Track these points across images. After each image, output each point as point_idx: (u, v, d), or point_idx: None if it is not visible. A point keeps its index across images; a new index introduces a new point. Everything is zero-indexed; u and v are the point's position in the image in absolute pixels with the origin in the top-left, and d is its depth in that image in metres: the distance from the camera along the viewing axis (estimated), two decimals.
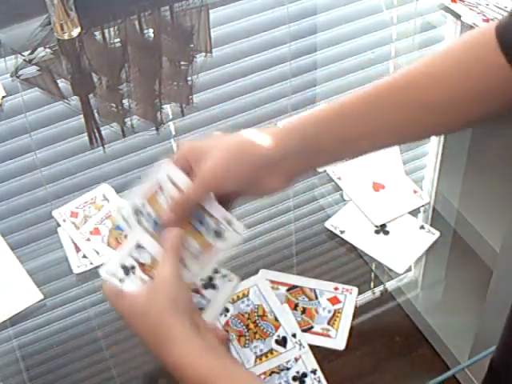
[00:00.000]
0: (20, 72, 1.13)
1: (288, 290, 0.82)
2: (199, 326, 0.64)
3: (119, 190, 0.94)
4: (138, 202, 0.69)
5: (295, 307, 0.80)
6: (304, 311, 0.80)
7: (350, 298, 0.81)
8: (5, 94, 1.09)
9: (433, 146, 1.02)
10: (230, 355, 0.72)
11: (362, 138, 0.70)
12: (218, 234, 0.69)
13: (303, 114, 0.69)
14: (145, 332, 0.65)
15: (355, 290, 0.82)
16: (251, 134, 0.68)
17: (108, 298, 0.67)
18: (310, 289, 0.82)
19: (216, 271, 0.72)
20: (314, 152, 0.68)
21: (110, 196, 0.93)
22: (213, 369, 0.62)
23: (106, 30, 1.20)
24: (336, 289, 0.82)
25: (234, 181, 0.67)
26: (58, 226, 0.90)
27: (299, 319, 0.79)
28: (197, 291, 0.72)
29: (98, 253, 0.87)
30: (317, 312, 0.80)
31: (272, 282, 0.82)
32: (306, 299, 0.81)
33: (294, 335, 0.77)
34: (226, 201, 0.70)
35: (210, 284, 0.72)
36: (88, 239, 0.88)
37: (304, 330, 0.78)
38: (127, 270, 0.67)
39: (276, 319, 0.79)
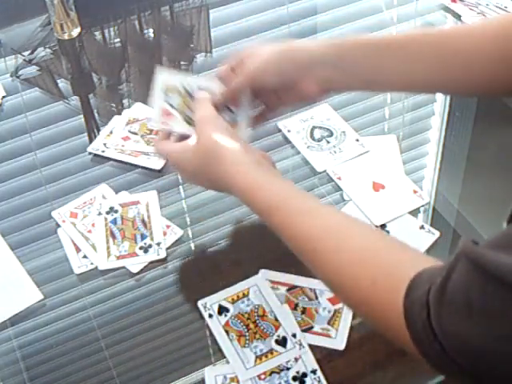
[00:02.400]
0: (20, 72, 1.13)
1: (288, 290, 0.82)
2: (246, 147, 0.74)
3: (118, 190, 0.94)
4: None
5: (295, 307, 0.80)
6: (304, 311, 0.80)
7: None
8: (5, 94, 1.09)
9: (433, 146, 1.02)
10: (277, 171, 0.79)
11: (392, 74, 0.78)
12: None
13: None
14: (197, 159, 0.75)
15: None
16: (299, 42, 0.80)
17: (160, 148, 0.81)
18: (310, 289, 0.82)
19: None
20: (349, 68, 0.77)
21: (109, 196, 0.93)
22: (262, 177, 0.72)
23: (106, 30, 1.20)
24: None
25: (276, 76, 0.79)
26: (58, 226, 0.90)
27: (299, 319, 0.79)
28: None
29: (95, 249, 0.87)
30: (317, 312, 0.80)
31: (272, 282, 0.82)
32: (306, 299, 0.81)
33: (294, 335, 0.77)
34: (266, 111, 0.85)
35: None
36: (87, 238, 0.88)
37: (304, 330, 0.78)
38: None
39: (276, 319, 0.79)
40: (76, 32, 1.16)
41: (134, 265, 0.86)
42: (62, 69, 1.16)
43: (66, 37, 1.16)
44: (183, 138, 0.81)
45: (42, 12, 1.18)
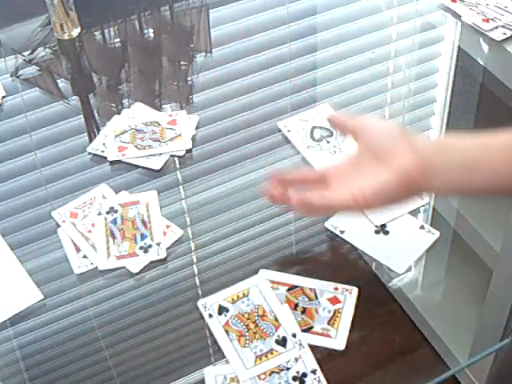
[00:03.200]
0: (20, 72, 1.13)
1: (288, 290, 0.82)
2: None
3: (118, 190, 0.94)
4: None
5: (295, 307, 0.80)
6: (304, 311, 0.80)
7: (350, 298, 0.81)
8: (5, 94, 1.09)
9: None
10: None
11: None
12: None
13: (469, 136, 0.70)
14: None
15: (355, 289, 0.82)
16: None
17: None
18: (310, 289, 0.82)
19: None
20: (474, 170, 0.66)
21: (109, 196, 0.93)
22: None
23: (106, 30, 1.20)
24: (336, 289, 0.82)
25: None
26: (58, 226, 0.90)
27: (299, 319, 0.79)
28: None
29: (95, 249, 0.87)
30: (317, 312, 0.80)
31: (272, 281, 0.82)
32: (306, 299, 0.81)
33: (294, 335, 0.77)
34: None
35: None
36: (87, 238, 0.88)
37: (304, 330, 0.78)
38: None
39: (276, 319, 0.79)
40: (76, 32, 1.16)
41: (134, 265, 0.86)
42: (62, 69, 1.16)
43: (66, 37, 1.16)
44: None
45: (42, 12, 1.18)
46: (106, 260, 0.86)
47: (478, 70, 1.12)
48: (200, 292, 0.84)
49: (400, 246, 0.87)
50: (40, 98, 1.10)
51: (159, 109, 1.06)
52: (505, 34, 1.13)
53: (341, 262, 0.88)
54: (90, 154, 1.00)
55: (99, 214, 0.91)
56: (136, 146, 0.99)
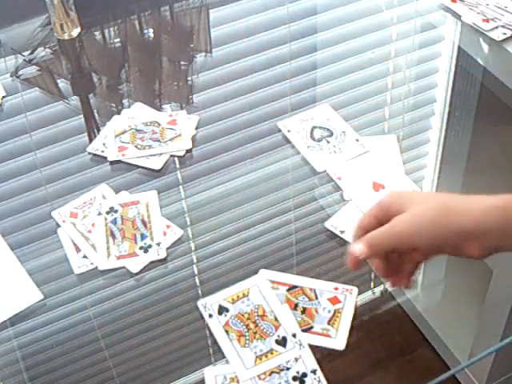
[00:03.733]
0: (20, 72, 1.13)
1: (288, 290, 0.82)
2: None
3: (118, 190, 0.94)
4: None
5: (295, 307, 0.80)
6: (304, 311, 0.80)
7: (350, 298, 0.81)
8: (5, 94, 1.09)
9: (433, 146, 1.02)
10: None
11: None
12: None
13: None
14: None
15: (355, 289, 0.82)
16: (455, 201, 0.69)
17: None
18: (310, 289, 0.82)
19: None
20: None
21: (109, 196, 0.93)
22: None
23: (106, 30, 1.20)
24: (336, 289, 0.82)
25: (426, 241, 0.67)
26: (58, 226, 0.90)
27: (299, 319, 0.79)
28: None
29: (95, 249, 0.87)
30: (317, 312, 0.80)
31: (272, 281, 0.82)
32: (306, 299, 0.81)
33: (294, 335, 0.77)
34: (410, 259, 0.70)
35: None
36: (87, 238, 0.88)
37: (304, 330, 0.78)
38: None
39: (276, 319, 0.79)
40: (76, 32, 1.16)
41: (134, 265, 0.86)
42: (62, 69, 1.16)
43: (66, 37, 1.16)
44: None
45: (42, 12, 1.18)
46: (106, 260, 0.86)
47: (477, 70, 1.12)
48: (200, 292, 0.85)
49: None
50: (40, 98, 1.10)
51: (159, 109, 1.06)
52: (505, 34, 1.13)
53: (341, 262, 0.88)
54: (90, 154, 1.00)
55: (99, 214, 0.91)
56: (136, 146, 0.99)
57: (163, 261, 0.86)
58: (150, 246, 0.87)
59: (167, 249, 0.87)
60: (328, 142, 1.00)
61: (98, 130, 1.03)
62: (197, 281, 0.86)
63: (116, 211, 0.91)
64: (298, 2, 1.24)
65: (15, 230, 0.91)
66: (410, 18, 1.23)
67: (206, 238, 0.90)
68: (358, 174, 0.95)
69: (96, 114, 1.08)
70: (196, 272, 0.87)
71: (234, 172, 0.98)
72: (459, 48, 1.15)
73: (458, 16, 1.18)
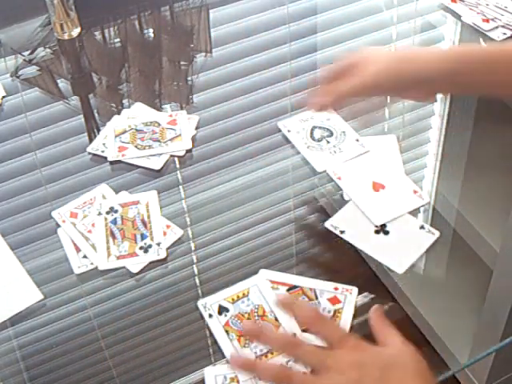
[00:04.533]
0: (20, 72, 1.13)
1: (288, 290, 0.82)
2: None
3: (118, 190, 0.94)
4: None
5: None
6: None
7: (350, 297, 0.81)
8: (5, 94, 1.09)
9: (433, 146, 1.02)
10: None
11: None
12: None
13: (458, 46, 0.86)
14: None
15: (355, 290, 0.82)
16: (409, 52, 0.85)
17: None
18: (310, 289, 0.82)
19: None
20: (465, 84, 0.82)
21: (109, 196, 0.93)
22: None
23: (106, 30, 1.20)
24: (336, 289, 0.82)
25: (387, 88, 0.84)
26: (58, 226, 0.90)
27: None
28: None
29: (95, 249, 0.87)
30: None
31: (272, 282, 0.82)
32: (306, 299, 0.81)
33: (293, 335, 0.77)
34: None
35: None
36: (87, 238, 0.88)
37: (304, 330, 0.78)
38: None
39: (276, 319, 0.79)
40: (76, 32, 1.16)
41: (134, 265, 0.86)
42: (62, 69, 1.16)
43: (66, 37, 1.16)
44: None
45: (42, 12, 1.18)
46: (106, 260, 0.86)
47: None
48: (200, 292, 0.85)
49: (400, 245, 0.87)
50: (40, 98, 1.10)
51: (159, 109, 1.06)
52: (505, 34, 1.13)
53: (341, 262, 0.88)
54: (89, 154, 1.00)
55: (99, 214, 0.91)
56: (136, 146, 0.99)
57: (163, 261, 0.86)
58: (149, 246, 0.87)
59: (167, 249, 0.87)
60: (328, 142, 1.00)
61: (98, 130, 1.03)
62: (197, 281, 0.87)
63: (116, 211, 0.91)
64: (298, 1, 1.24)
65: (15, 230, 0.91)
66: (409, 18, 1.23)
67: (206, 238, 0.90)
68: (358, 174, 0.95)
69: (96, 114, 1.08)
70: (196, 272, 0.87)
71: (234, 172, 0.98)
72: None
73: (458, 16, 1.18)
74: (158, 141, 0.99)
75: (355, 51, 0.87)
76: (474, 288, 0.89)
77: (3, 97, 1.08)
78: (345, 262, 0.88)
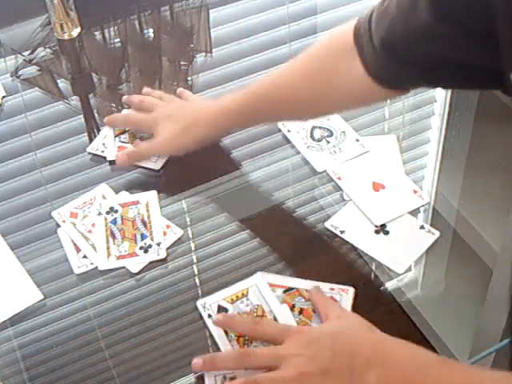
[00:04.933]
0: (20, 72, 1.13)
1: (284, 292, 0.82)
2: None
3: (118, 190, 0.94)
4: None
5: (292, 308, 0.80)
6: (301, 312, 0.80)
7: (346, 297, 0.81)
8: (5, 94, 1.09)
9: (433, 146, 1.02)
10: None
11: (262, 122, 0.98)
12: None
13: (230, 97, 0.93)
14: None
15: (351, 290, 0.82)
16: (192, 117, 0.95)
17: None
18: (307, 290, 0.82)
19: None
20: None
21: (109, 196, 0.93)
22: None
23: (106, 30, 1.20)
24: (332, 289, 0.82)
25: (178, 150, 0.95)
26: (58, 226, 0.90)
27: (297, 319, 0.79)
28: None
29: (95, 249, 0.87)
30: (314, 312, 0.80)
31: (269, 284, 0.82)
32: (303, 300, 0.81)
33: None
34: None
35: None
36: (87, 238, 0.88)
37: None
38: None
39: (275, 319, 0.79)
40: (76, 32, 1.16)
41: (134, 265, 0.86)
42: (62, 69, 1.16)
43: (66, 37, 1.16)
44: None
45: (42, 12, 1.18)
46: (106, 260, 0.86)
47: None
48: (200, 292, 0.85)
49: (400, 245, 0.87)
50: (40, 98, 1.10)
51: None
52: None
53: (341, 262, 0.88)
54: (89, 154, 1.00)
55: (99, 214, 0.91)
56: (135, 147, 0.99)
57: (163, 261, 0.86)
58: (150, 246, 0.87)
59: (167, 249, 0.87)
60: (328, 142, 1.00)
61: (98, 130, 1.03)
62: (197, 281, 0.87)
63: (116, 211, 0.91)
64: (297, 2, 1.24)
65: (15, 230, 0.91)
66: None
67: (205, 238, 0.90)
68: (358, 174, 0.95)
69: (96, 114, 1.08)
70: (196, 272, 0.87)
71: (234, 172, 0.98)
72: None
73: None
74: None
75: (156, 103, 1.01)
76: (474, 288, 0.89)
77: (3, 97, 1.08)
78: (345, 262, 0.88)
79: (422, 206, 0.92)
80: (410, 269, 0.86)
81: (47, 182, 0.97)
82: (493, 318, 0.88)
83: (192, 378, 0.77)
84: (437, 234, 0.88)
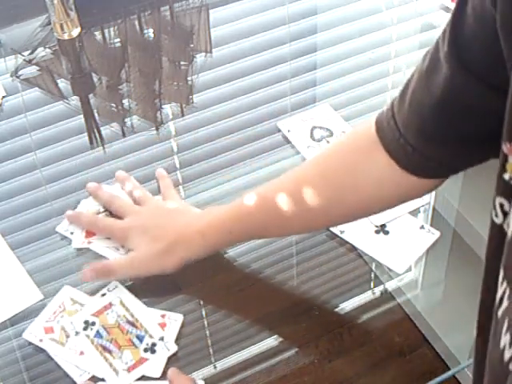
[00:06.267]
0: (20, 72, 1.13)
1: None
2: None
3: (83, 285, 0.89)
4: None
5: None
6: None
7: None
8: (5, 94, 1.09)
9: None
10: None
11: (268, 231, 0.83)
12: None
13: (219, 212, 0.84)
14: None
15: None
16: (175, 235, 0.82)
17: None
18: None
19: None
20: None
21: (78, 298, 0.83)
22: None
23: (106, 30, 1.20)
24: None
25: (155, 273, 0.82)
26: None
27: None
28: None
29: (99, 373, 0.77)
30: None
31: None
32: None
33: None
34: None
35: None
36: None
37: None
38: None
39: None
40: (76, 32, 1.16)
41: (154, 370, 0.76)
42: (62, 69, 1.16)
43: (66, 37, 1.16)
44: None
45: (41, 12, 1.18)
46: (116, 377, 0.75)
47: None
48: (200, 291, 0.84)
49: (400, 245, 0.87)
50: (40, 98, 1.10)
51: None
52: None
53: (341, 262, 0.88)
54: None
55: (76, 333, 0.79)
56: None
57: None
58: (154, 345, 0.78)
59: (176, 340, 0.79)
60: (328, 142, 1.00)
61: (98, 130, 1.03)
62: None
63: (93, 323, 0.79)
64: (298, 1, 1.24)
65: (15, 229, 0.91)
66: (409, 18, 1.23)
67: None
68: None
69: (96, 114, 1.08)
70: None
71: (234, 172, 0.98)
72: None
73: None
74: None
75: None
76: (473, 288, 0.89)
77: (3, 97, 1.08)
78: (345, 262, 0.88)
79: (422, 206, 0.92)
80: (410, 269, 0.86)
81: (47, 182, 0.97)
82: None
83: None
84: (437, 234, 0.88)
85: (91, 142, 1.02)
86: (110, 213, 0.90)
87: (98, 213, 0.90)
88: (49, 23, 1.18)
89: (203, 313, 0.84)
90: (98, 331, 0.79)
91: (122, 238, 0.85)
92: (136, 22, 1.22)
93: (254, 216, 0.80)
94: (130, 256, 0.83)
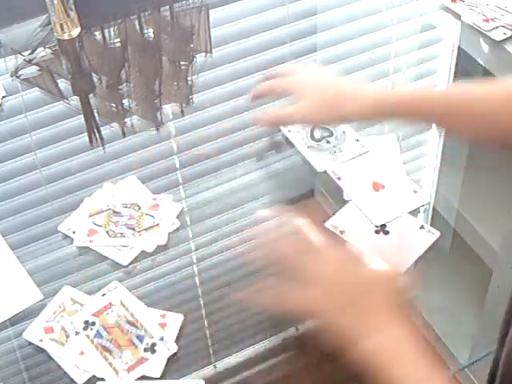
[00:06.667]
0: (20, 72, 1.13)
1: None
2: None
3: (82, 281, 0.88)
4: None
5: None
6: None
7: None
8: (5, 94, 1.09)
9: (433, 146, 1.02)
10: None
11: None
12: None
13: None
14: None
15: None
16: (344, 92, 0.87)
17: None
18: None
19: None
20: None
21: (77, 297, 0.83)
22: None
23: (106, 30, 1.20)
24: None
25: (318, 121, 0.93)
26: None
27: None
28: None
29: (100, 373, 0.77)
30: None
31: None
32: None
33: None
34: None
35: None
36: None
37: None
38: None
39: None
40: (76, 32, 1.16)
41: (153, 370, 0.76)
42: (62, 69, 1.16)
43: (66, 37, 1.16)
44: None
45: (42, 12, 1.18)
46: (117, 377, 0.75)
47: (477, 69, 1.11)
48: (200, 292, 0.84)
49: (400, 246, 0.87)
50: (40, 98, 1.10)
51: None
52: (505, 34, 1.13)
53: None
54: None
55: (76, 333, 0.79)
56: (108, 232, 0.89)
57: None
58: (154, 345, 0.78)
59: (175, 342, 0.78)
60: (328, 141, 1.00)
61: (99, 130, 1.03)
62: (196, 280, 0.87)
63: (93, 323, 0.79)
64: (298, 2, 1.24)
65: (15, 229, 0.91)
66: (409, 18, 1.23)
67: (206, 238, 0.90)
68: (358, 174, 0.95)
69: (96, 114, 1.08)
70: (196, 272, 0.87)
71: (234, 172, 0.97)
72: (459, 48, 1.15)
73: (458, 16, 1.18)
74: (133, 229, 0.89)
75: (296, 68, 0.95)
76: (474, 288, 0.89)
77: (3, 97, 1.08)
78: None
79: (422, 205, 0.92)
80: (410, 269, 0.86)
81: (47, 182, 0.97)
82: (493, 318, 0.88)
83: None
84: (437, 234, 0.88)
85: (91, 142, 1.01)
86: (114, 211, 0.90)
87: (103, 211, 0.90)
88: (49, 23, 1.18)
89: (203, 313, 0.84)
90: (98, 331, 0.79)
91: (293, 89, 0.90)
92: (136, 22, 1.22)
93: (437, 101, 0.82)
94: (299, 104, 0.87)
